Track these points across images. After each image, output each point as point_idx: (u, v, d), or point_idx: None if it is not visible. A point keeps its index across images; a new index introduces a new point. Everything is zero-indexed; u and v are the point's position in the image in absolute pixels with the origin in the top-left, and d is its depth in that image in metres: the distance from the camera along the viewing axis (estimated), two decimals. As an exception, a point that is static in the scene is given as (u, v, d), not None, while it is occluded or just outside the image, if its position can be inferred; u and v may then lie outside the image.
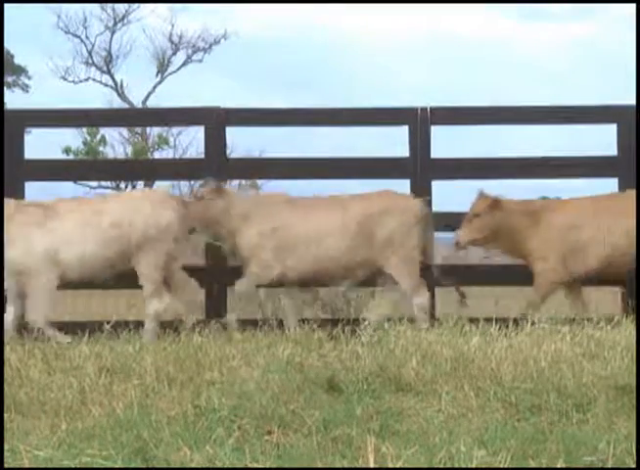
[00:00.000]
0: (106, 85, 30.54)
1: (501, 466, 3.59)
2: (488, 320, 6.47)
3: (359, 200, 7.70)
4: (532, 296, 7.68)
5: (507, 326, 6.33)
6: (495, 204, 7.69)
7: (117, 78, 30.41)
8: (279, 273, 7.55)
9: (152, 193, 7.78)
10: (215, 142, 8.24)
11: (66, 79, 30.52)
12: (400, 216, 7.61)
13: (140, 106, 27.48)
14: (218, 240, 7.73)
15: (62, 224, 7.20)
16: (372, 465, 3.57)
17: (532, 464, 3.63)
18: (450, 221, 7.90)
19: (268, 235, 7.51)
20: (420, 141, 8.13)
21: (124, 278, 7.46)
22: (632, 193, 7.58)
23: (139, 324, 7.13)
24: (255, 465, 3.64)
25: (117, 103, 28.71)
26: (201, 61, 31.25)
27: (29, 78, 31.33)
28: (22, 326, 7.21)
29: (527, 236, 7.65)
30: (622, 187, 8.02)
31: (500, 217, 7.69)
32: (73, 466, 3.66)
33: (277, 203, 7.72)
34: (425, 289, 7.60)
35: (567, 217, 7.66)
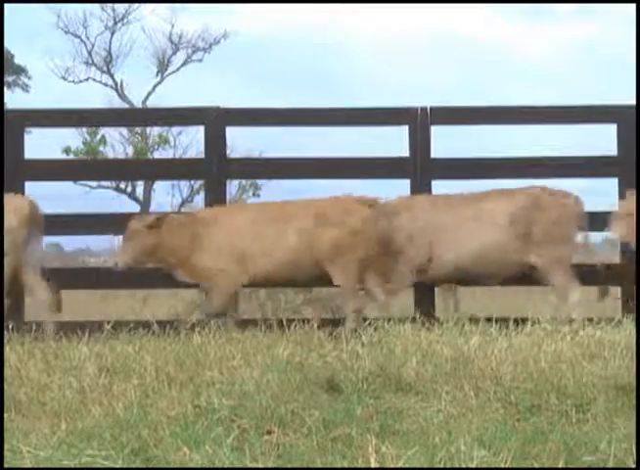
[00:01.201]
0: (106, 85, 30.57)
1: (501, 466, 3.59)
2: (488, 320, 6.48)
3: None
4: (210, 302, 7.62)
5: (507, 326, 6.34)
6: (155, 223, 7.52)
7: (117, 78, 30.44)
8: None
9: None
10: (215, 142, 8.24)
11: (66, 79, 30.58)
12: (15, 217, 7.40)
13: (140, 106, 27.47)
14: None
15: None
16: (372, 465, 3.57)
17: (535, 464, 3.63)
18: None
19: None
20: (420, 141, 8.13)
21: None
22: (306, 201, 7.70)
23: (139, 324, 7.13)
24: (255, 465, 3.63)
25: (117, 103, 28.74)
26: (201, 61, 31.31)
27: (29, 78, 31.36)
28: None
29: (193, 249, 7.52)
30: (622, 187, 8.02)
31: (159, 235, 7.51)
32: (73, 466, 3.66)
33: None
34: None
35: (226, 227, 7.59)
